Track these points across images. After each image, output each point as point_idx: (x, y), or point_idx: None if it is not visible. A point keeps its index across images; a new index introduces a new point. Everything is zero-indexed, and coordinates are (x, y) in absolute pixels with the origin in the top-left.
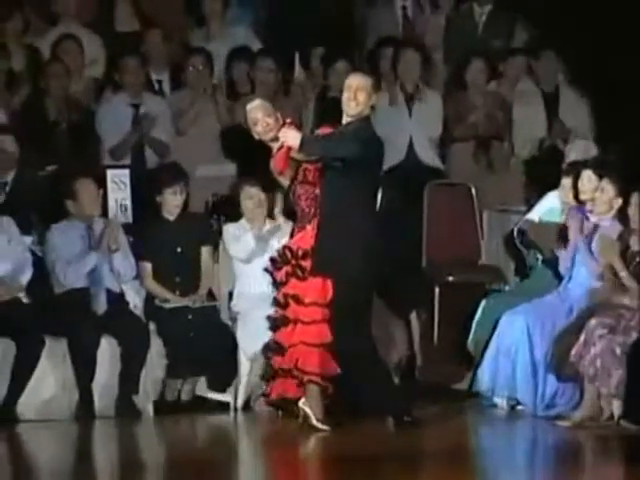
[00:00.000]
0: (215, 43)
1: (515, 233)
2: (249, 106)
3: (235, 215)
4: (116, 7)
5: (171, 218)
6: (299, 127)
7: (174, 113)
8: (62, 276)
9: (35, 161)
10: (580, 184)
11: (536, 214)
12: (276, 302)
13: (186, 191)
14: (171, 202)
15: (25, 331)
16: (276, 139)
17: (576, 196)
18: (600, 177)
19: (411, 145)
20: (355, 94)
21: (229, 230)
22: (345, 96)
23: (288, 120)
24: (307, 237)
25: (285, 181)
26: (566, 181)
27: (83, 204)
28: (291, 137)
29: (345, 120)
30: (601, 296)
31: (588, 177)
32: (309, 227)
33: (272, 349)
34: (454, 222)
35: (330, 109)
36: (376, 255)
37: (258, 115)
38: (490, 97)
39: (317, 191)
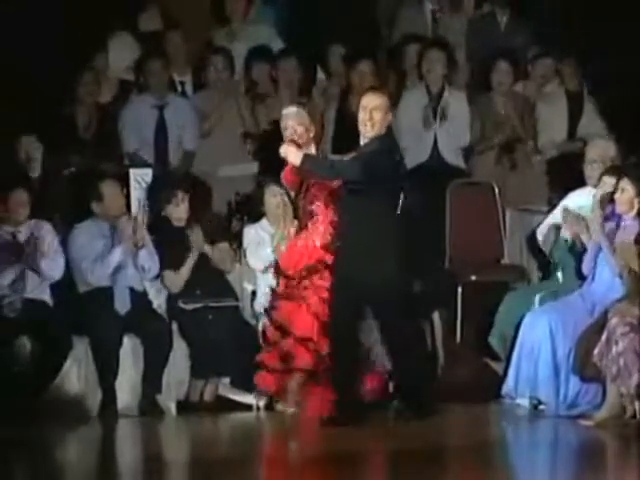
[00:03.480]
0: (238, 43)
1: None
2: (285, 111)
3: (258, 215)
4: (143, 6)
5: (181, 224)
6: (320, 133)
7: (198, 116)
8: (88, 274)
9: (59, 161)
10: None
11: (559, 218)
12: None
13: (187, 196)
14: (176, 214)
15: (50, 331)
16: (300, 147)
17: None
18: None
19: (435, 145)
20: (371, 114)
21: (250, 234)
22: (361, 117)
23: (293, 137)
24: (292, 254)
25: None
26: (608, 179)
27: (108, 205)
28: (292, 155)
29: (362, 140)
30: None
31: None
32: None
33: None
34: (477, 221)
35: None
36: (397, 271)
37: (289, 122)
38: (516, 99)
39: (312, 207)
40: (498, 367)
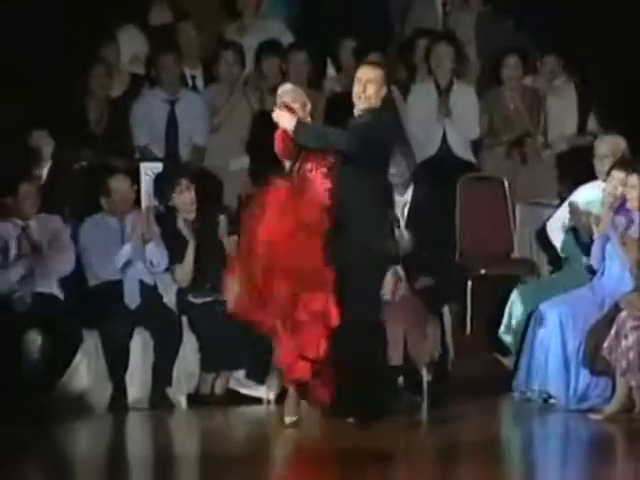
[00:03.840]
0: (249, 37)
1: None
2: (280, 89)
3: None
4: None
5: (190, 217)
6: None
7: (209, 110)
8: (98, 269)
9: (70, 155)
10: (617, 176)
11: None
12: None
13: (193, 186)
14: (183, 201)
15: (61, 325)
16: (293, 112)
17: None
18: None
19: (444, 138)
20: (365, 87)
21: None
22: (355, 89)
23: (286, 98)
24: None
25: (287, 165)
26: (617, 174)
27: (117, 200)
28: (285, 120)
29: (356, 113)
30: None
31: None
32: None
33: None
34: (487, 215)
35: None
36: (386, 247)
37: (285, 98)
38: (525, 94)
39: (309, 175)
40: (508, 361)
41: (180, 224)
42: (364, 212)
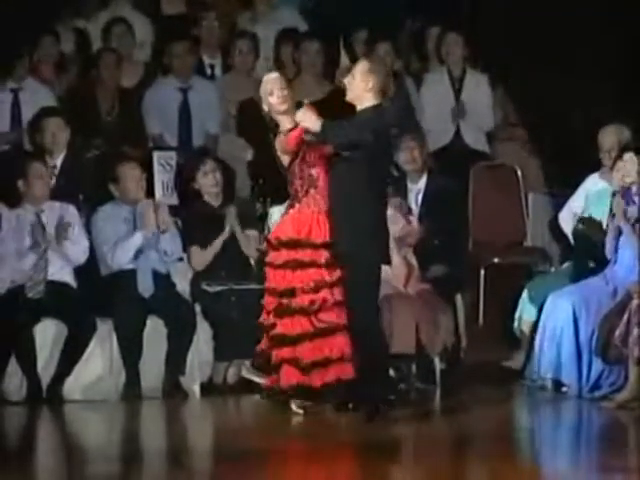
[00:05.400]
0: (261, 26)
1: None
2: (266, 77)
3: (281, 198)
4: None
5: (214, 204)
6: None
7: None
8: (109, 258)
9: (83, 144)
10: (623, 167)
11: (580, 202)
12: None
13: (219, 169)
14: (207, 183)
15: (75, 314)
16: (285, 113)
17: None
18: None
19: (458, 128)
20: (349, 79)
21: (275, 215)
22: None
23: (306, 101)
24: (285, 224)
25: (286, 160)
26: (621, 164)
27: (126, 187)
28: (311, 120)
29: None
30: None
31: (631, 159)
32: (297, 206)
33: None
34: (500, 204)
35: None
36: (382, 240)
37: (275, 86)
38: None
39: (312, 172)
40: (515, 363)
41: (208, 209)
42: (360, 208)
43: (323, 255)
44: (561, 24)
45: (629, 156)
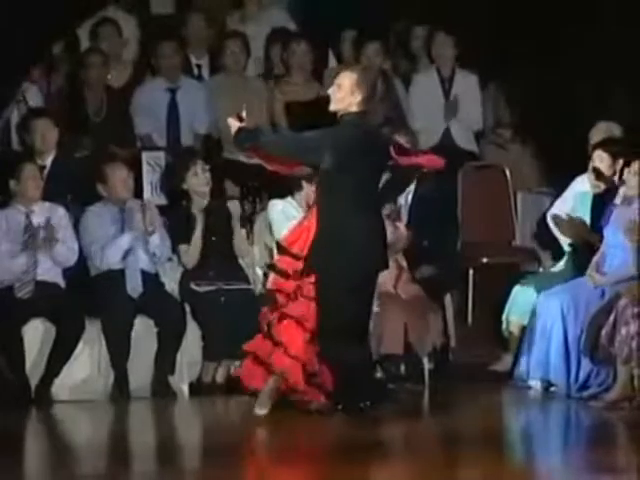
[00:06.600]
0: (251, 25)
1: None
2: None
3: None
4: None
5: (203, 203)
6: None
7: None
8: (98, 259)
9: (72, 144)
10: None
11: (567, 204)
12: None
13: (207, 169)
14: (196, 183)
15: (64, 314)
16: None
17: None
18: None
19: (447, 128)
20: (334, 88)
21: (276, 206)
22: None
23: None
24: (295, 232)
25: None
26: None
27: (114, 187)
28: (232, 127)
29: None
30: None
31: (599, 157)
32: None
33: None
34: (488, 204)
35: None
36: (361, 254)
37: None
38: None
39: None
40: (502, 367)
41: (193, 207)
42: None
43: None
44: (550, 20)
45: (597, 154)
